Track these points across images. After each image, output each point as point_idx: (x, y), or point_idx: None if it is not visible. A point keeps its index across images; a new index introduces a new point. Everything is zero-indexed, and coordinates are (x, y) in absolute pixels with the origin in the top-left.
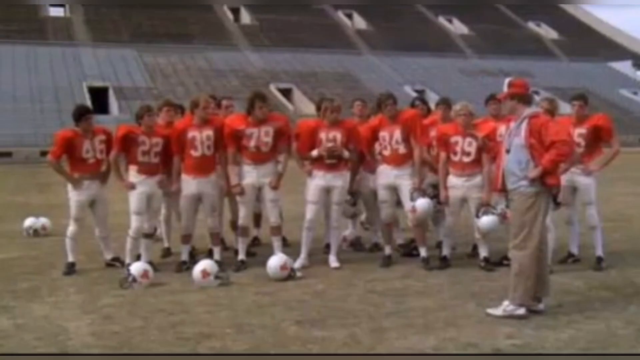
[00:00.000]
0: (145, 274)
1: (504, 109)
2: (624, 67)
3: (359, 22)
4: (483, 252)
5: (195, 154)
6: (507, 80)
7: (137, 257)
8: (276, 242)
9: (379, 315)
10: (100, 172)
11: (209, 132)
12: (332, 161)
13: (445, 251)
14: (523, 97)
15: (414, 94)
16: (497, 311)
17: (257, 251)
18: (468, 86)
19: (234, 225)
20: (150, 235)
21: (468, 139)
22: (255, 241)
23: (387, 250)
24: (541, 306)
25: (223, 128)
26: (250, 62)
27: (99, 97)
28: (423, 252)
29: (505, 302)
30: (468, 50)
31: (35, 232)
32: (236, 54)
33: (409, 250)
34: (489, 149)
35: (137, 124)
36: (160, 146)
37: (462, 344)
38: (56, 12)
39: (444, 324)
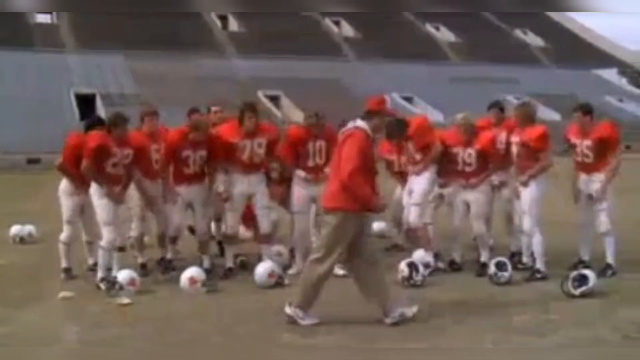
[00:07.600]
0: (132, 282)
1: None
2: (610, 74)
3: (347, 30)
4: (482, 257)
5: (187, 170)
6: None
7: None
8: (265, 250)
9: (372, 321)
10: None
11: (202, 153)
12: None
13: (455, 255)
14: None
15: (402, 101)
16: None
17: (246, 259)
18: (456, 93)
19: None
20: (122, 249)
21: (468, 151)
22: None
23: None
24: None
25: (215, 144)
26: (238, 68)
27: (87, 103)
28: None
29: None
30: (455, 58)
31: (22, 240)
32: (224, 61)
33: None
34: (490, 159)
35: (107, 130)
36: (130, 158)
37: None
38: (43, 18)
39: (439, 330)
